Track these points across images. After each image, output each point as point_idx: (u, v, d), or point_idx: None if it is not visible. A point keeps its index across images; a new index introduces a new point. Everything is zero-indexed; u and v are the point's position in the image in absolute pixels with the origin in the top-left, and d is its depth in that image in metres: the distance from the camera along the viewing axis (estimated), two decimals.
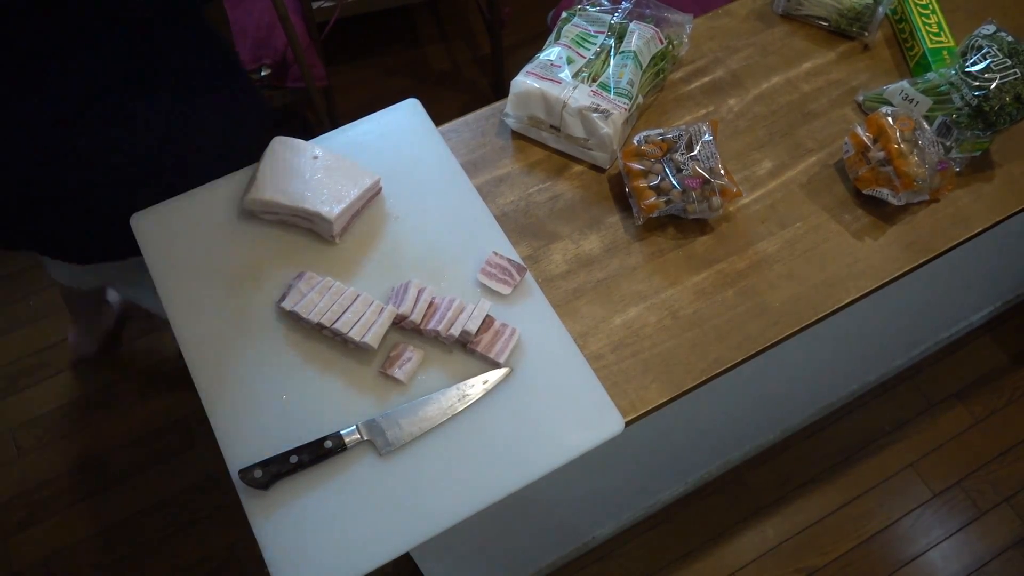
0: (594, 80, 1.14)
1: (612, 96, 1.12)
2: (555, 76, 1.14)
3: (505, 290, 1.02)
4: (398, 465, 0.91)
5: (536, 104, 1.14)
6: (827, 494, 1.86)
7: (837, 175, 1.16)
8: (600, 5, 1.24)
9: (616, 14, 1.22)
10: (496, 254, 1.04)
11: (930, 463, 1.90)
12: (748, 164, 1.17)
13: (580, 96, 1.11)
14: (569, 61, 1.17)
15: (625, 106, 1.12)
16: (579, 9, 1.24)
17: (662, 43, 1.19)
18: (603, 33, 1.20)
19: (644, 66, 1.16)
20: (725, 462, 1.85)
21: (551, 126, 1.15)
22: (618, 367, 1.00)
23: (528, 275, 1.04)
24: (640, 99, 1.16)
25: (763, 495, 1.86)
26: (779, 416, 1.81)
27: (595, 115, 1.10)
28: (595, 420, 0.95)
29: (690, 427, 1.42)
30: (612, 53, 1.17)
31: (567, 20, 1.23)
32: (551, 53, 1.18)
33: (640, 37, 1.17)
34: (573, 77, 1.14)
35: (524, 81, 1.14)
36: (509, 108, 1.16)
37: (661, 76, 1.20)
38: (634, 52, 1.15)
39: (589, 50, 1.18)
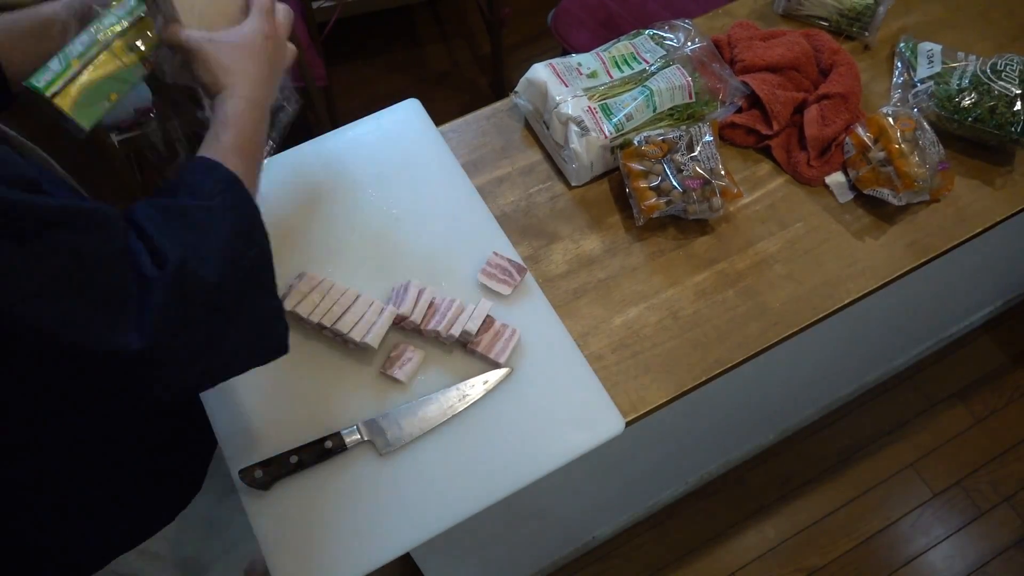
0: (601, 99, 1.11)
1: (604, 120, 1.09)
2: (568, 78, 1.13)
3: (505, 290, 1.02)
4: (398, 465, 0.91)
5: (538, 94, 1.14)
6: (827, 494, 1.86)
7: None
8: (670, 38, 1.18)
9: (674, 52, 1.15)
10: (496, 254, 1.04)
11: (930, 463, 1.90)
12: (748, 164, 1.17)
13: (575, 105, 1.09)
14: (592, 75, 1.13)
15: (609, 135, 1.08)
16: (652, 32, 1.18)
17: (691, 98, 1.12)
18: (647, 64, 1.15)
19: (658, 110, 1.11)
20: (725, 462, 1.85)
21: (544, 122, 1.15)
22: (618, 367, 0.99)
23: (528, 275, 1.04)
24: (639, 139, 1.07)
25: (763, 495, 1.85)
26: (779, 416, 1.81)
27: (575, 128, 1.08)
28: (595, 420, 0.95)
29: (690, 427, 1.42)
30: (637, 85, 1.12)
31: (636, 35, 1.19)
32: (583, 57, 1.16)
33: (666, 80, 1.11)
34: (584, 91, 1.11)
35: (539, 68, 1.14)
36: (520, 87, 1.17)
37: (683, 133, 1.07)
38: (651, 91, 1.10)
39: (622, 72, 1.14)
